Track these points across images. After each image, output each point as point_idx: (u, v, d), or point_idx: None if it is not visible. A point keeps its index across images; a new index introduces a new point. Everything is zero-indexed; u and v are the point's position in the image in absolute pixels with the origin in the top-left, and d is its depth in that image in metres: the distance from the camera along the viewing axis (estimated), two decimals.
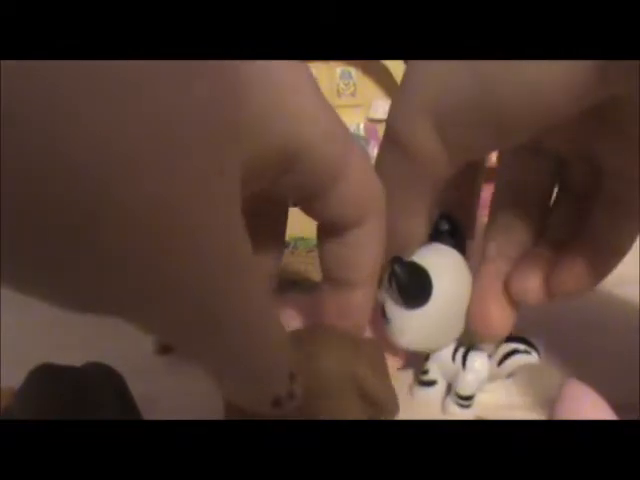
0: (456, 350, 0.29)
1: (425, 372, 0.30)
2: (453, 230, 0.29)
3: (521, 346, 0.27)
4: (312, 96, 0.19)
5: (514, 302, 0.28)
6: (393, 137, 0.24)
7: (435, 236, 0.29)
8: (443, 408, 0.29)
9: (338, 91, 0.44)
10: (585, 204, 0.27)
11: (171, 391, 0.30)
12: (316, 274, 0.37)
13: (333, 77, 0.43)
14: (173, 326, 0.16)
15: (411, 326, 0.28)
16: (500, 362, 0.28)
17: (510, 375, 0.29)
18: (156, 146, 0.13)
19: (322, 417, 0.24)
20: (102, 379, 0.24)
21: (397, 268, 0.27)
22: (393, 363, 0.29)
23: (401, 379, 0.31)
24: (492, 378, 0.29)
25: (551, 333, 0.32)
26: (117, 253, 0.14)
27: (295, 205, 0.23)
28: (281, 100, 0.17)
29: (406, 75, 0.24)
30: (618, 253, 0.27)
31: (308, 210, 0.22)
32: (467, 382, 0.28)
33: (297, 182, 0.20)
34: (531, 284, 0.27)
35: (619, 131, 0.23)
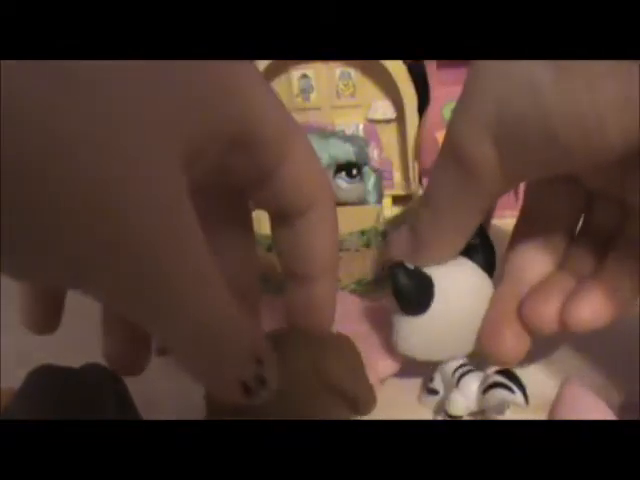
0: (460, 367, 0.28)
1: (431, 380, 0.30)
2: (482, 245, 0.29)
3: (506, 382, 0.26)
4: (254, 80, 0.19)
5: (530, 328, 0.27)
6: (454, 152, 0.24)
7: (464, 250, 0.28)
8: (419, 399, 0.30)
9: (337, 92, 0.44)
10: (610, 238, 0.27)
11: (170, 392, 0.30)
12: None
13: (333, 78, 0.43)
14: (126, 298, 0.17)
15: (410, 333, 0.28)
16: (485, 391, 0.27)
17: (498, 410, 0.27)
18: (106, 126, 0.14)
19: (296, 417, 0.24)
20: (101, 380, 0.24)
21: (397, 272, 0.27)
22: (389, 367, 0.30)
23: (412, 385, 0.31)
24: (481, 406, 0.28)
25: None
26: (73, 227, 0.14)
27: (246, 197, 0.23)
28: (224, 83, 0.18)
29: (466, 89, 0.24)
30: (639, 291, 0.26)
31: (256, 199, 0.22)
32: (455, 402, 0.28)
33: (241, 166, 0.20)
34: (545, 311, 0.26)
35: None
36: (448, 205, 0.25)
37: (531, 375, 0.30)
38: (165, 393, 0.30)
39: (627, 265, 0.26)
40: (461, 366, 0.28)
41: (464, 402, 0.27)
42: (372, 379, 0.29)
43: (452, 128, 0.24)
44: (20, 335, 0.33)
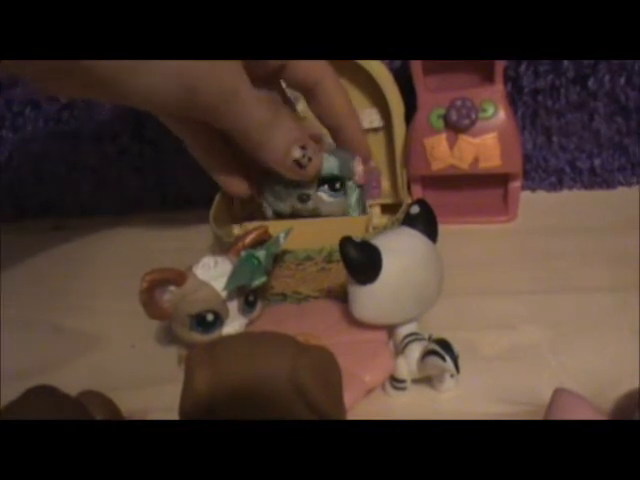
0: (408, 335, 0.31)
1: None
2: (424, 215, 0.31)
3: (440, 350, 0.28)
4: None
5: None
6: None
7: (406, 220, 0.32)
8: (384, 388, 0.31)
9: None
10: None
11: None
12: (304, 287, 0.36)
13: None
14: None
15: (362, 300, 0.30)
16: (422, 358, 0.29)
17: (438, 379, 0.30)
18: None
19: (264, 416, 0.24)
20: (95, 408, 0.24)
21: (346, 246, 0.29)
22: (377, 379, 0.30)
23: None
24: (422, 372, 0.29)
25: (550, 335, 0.32)
26: None
27: None
28: None
29: None
30: None
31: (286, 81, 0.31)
32: (399, 367, 0.30)
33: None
34: None
35: None
36: None
37: (524, 382, 0.30)
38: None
39: None
40: (410, 335, 0.31)
41: (406, 367, 0.30)
42: (359, 391, 0.29)
43: None
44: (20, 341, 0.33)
